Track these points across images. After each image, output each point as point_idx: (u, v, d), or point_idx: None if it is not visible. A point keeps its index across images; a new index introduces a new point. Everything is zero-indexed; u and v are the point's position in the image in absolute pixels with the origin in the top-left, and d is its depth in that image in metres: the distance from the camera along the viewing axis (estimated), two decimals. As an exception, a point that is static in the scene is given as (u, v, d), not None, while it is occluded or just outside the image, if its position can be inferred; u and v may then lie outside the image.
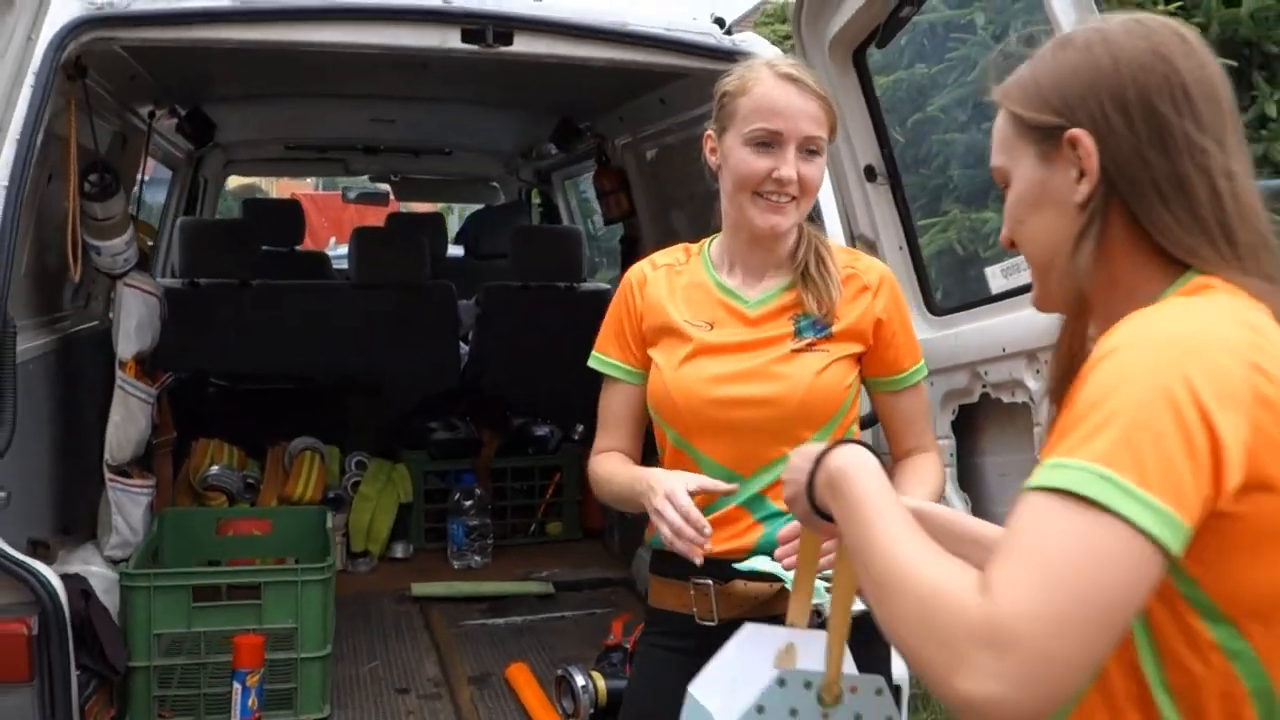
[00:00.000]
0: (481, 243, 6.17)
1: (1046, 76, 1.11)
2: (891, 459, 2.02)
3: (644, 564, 4.06)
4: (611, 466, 2.01)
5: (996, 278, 2.39)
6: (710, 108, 1.97)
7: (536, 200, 6.63)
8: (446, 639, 3.60)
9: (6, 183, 2.37)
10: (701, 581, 1.92)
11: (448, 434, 4.69)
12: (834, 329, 1.90)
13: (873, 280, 1.93)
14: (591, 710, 2.97)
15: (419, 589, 3.99)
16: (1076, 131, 1.07)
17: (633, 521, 4.53)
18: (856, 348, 1.92)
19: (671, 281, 2.00)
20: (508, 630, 3.74)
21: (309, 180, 15.19)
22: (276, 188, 13.08)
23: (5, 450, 2.34)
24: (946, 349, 2.53)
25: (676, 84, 3.49)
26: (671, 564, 1.92)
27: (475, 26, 2.71)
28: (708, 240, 2.07)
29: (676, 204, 4.50)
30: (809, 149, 1.86)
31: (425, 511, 4.59)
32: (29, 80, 2.39)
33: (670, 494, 1.76)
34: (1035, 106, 1.10)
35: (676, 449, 1.95)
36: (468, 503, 4.46)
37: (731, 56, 2.89)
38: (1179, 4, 3.94)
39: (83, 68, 2.72)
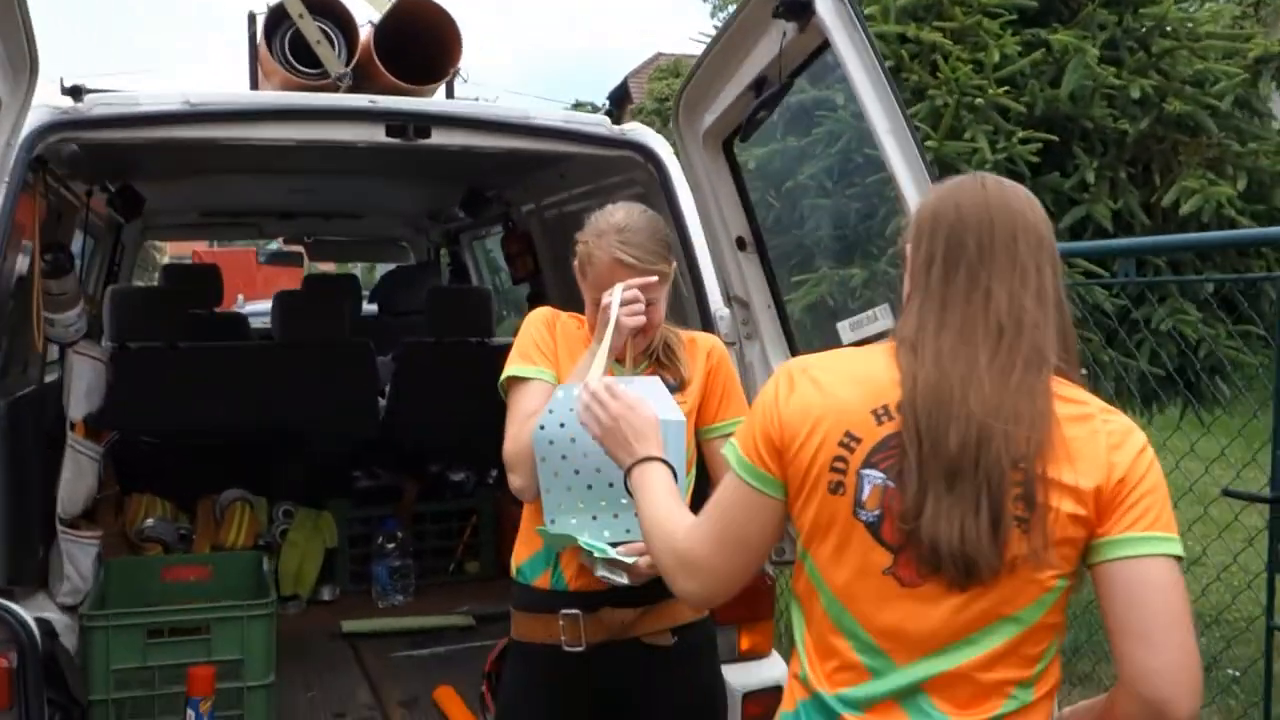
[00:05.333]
0: (396, 300, 6.49)
1: None
2: None
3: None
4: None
5: (846, 331, 2.82)
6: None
7: (446, 259, 7.01)
8: (377, 669, 3.94)
9: (-14, 270, 2.70)
10: (570, 612, 2.23)
11: (370, 482, 5.03)
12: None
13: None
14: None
15: (348, 626, 4.31)
16: None
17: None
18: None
19: None
20: (433, 660, 4.07)
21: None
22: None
23: None
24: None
25: (572, 162, 3.92)
26: (539, 597, 2.26)
27: (398, 123, 3.12)
28: None
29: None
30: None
31: (350, 556, 4.90)
32: (4, 180, 2.71)
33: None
34: None
35: None
36: (390, 546, 4.79)
37: (620, 144, 3.36)
38: (1005, 88, 4.49)
39: (44, 161, 3.05)
